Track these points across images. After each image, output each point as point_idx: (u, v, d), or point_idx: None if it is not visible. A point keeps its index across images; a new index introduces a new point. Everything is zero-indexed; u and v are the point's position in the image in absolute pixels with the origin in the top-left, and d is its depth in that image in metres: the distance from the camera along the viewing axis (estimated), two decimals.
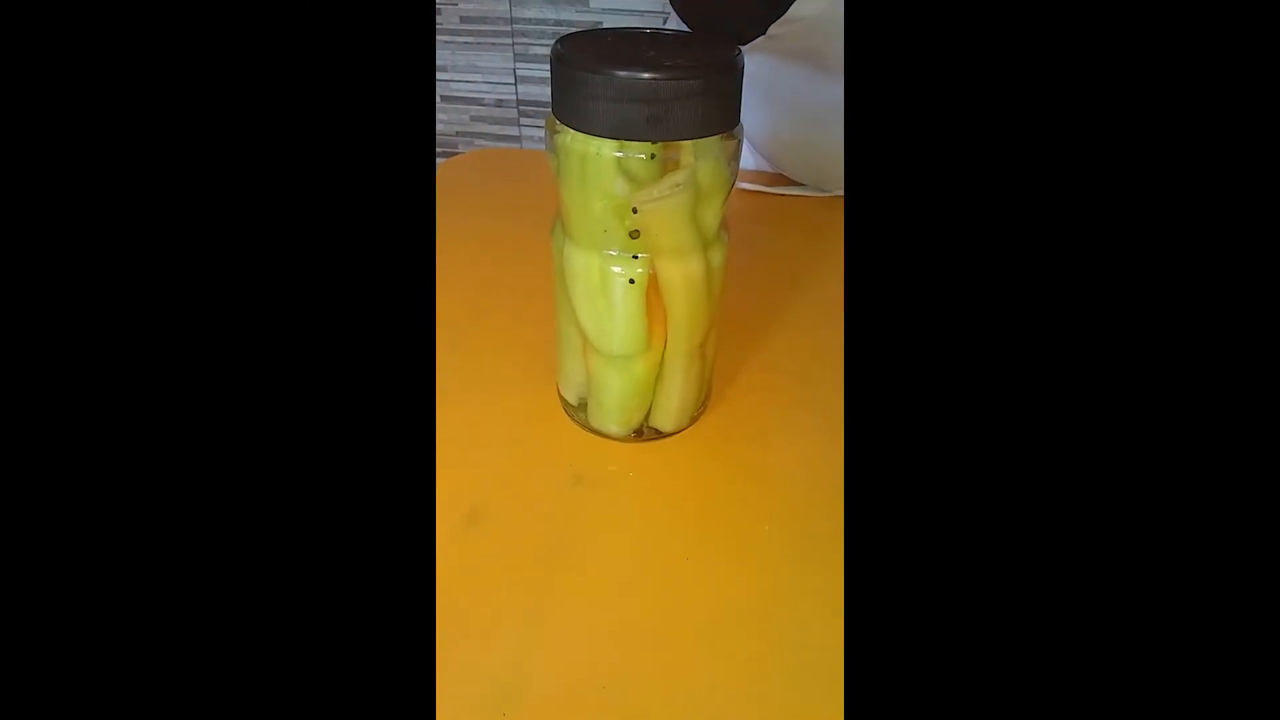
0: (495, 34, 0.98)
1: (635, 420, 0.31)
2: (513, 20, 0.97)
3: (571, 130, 0.25)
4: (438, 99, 1.13)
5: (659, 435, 0.32)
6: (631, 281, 0.27)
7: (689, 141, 0.25)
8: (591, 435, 0.32)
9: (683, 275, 0.27)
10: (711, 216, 0.27)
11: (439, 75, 1.12)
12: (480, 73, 1.11)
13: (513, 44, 0.98)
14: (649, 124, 0.24)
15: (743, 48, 0.26)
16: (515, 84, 1.07)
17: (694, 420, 0.33)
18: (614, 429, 0.31)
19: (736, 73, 0.25)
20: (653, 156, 0.25)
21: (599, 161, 0.25)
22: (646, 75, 0.23)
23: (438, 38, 1.09)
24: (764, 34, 0.56)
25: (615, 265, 0.27)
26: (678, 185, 0.25)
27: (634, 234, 0.26)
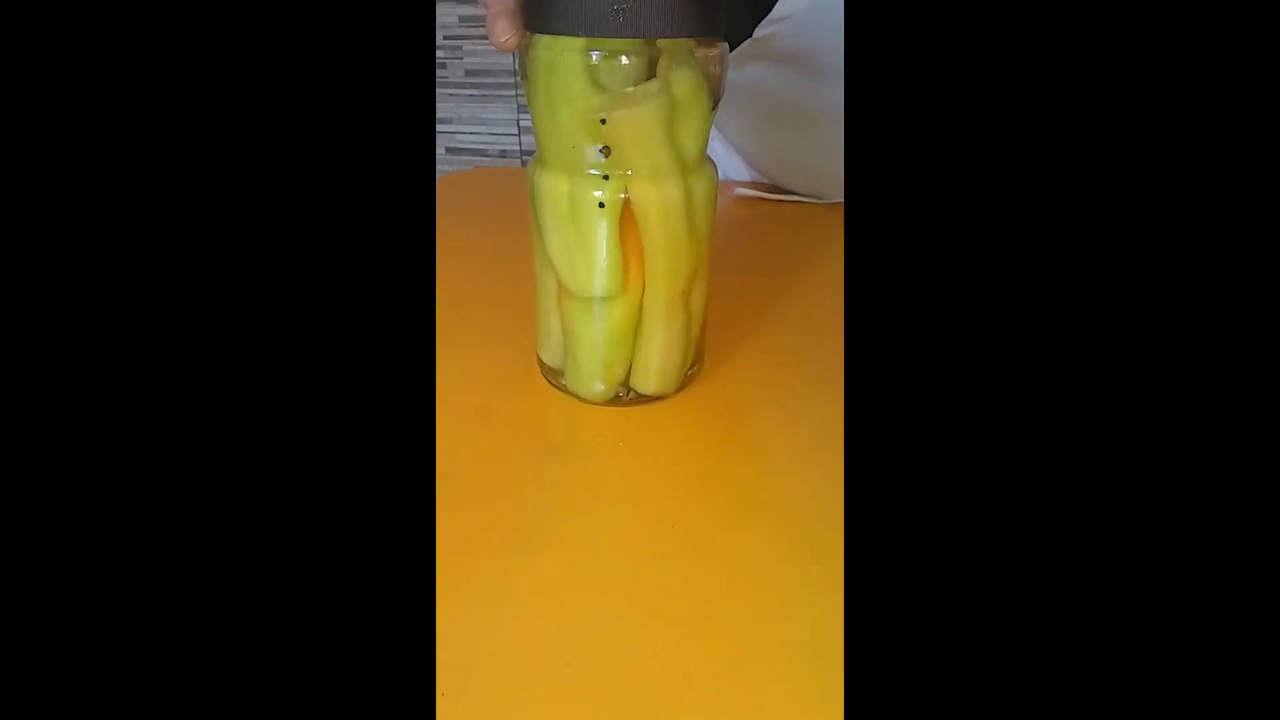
0: (499, 86, 1.00)
1: (614, 378, 0.29)
2: (515, 72, 0.99)
3: (540, 37, 0.24)
4: (442, 150, 1.15)
5: (642, 399, 0.30)
6: (601, 205, 0.25)
7: (665, 47, 0.23)
8: (567, 407, 0.30)
9: (658, 200, 0.25)
10: (691, 136, 0.25)
11: (444, 128, 1.14)
12: (484, 124, 1.13)
13: (516, 95, 1.00)
14: (615, 18, 0.22)
15: (730, 55, 0.25)
16: (519, 135, 1.08)
17: (681, 386, 0.30)
18: (595, 389, 0.29)
19: None
20: (615, 56, 0.23)
21: (565, 65, 0.23)
22: None
23: (444, 91, 1.11)
24: (750, 37, 0.56)
25: (586, 188, 0.25)
26: (649, 93, 0.24)
27: (605, 150, 0.24)
